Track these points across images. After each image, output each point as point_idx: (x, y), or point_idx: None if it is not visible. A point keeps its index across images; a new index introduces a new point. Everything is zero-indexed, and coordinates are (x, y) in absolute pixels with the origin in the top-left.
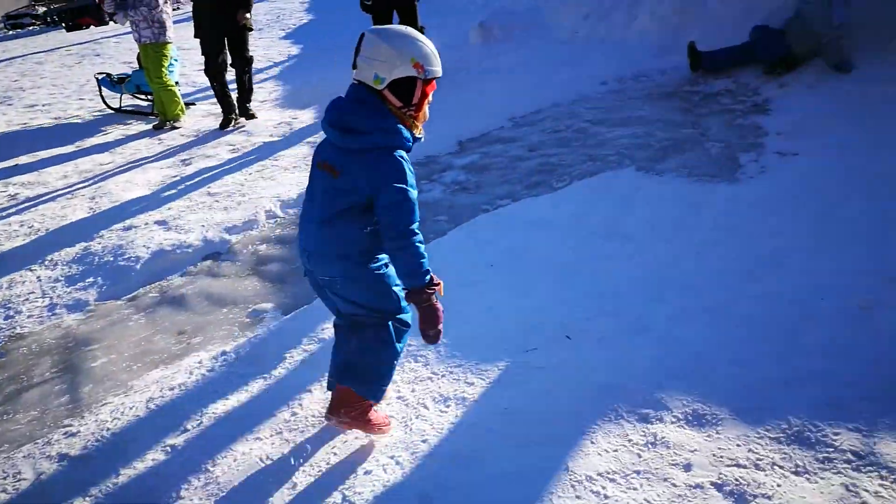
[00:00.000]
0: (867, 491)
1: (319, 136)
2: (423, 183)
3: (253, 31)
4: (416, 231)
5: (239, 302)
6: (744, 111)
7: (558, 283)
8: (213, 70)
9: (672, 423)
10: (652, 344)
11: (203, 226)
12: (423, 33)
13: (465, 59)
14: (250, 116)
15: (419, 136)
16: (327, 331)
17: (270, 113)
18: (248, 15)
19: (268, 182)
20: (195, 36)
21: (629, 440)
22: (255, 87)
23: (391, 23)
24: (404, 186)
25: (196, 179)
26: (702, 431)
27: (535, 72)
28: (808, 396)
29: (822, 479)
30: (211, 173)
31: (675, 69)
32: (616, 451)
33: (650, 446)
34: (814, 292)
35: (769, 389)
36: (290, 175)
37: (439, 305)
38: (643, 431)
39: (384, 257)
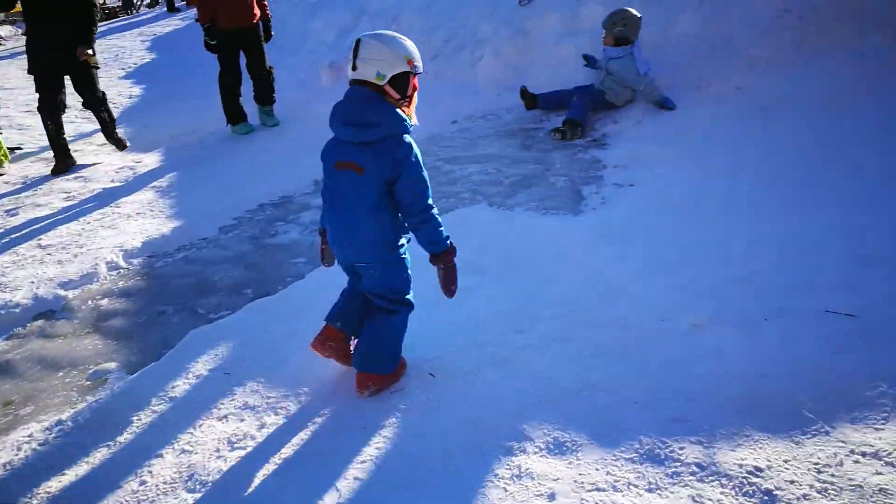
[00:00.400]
0: (710, 500)
1: (167, 180)
2: (279, 224)
3: (99, 69)
4: (433, 205)
5: (77, 363)
6: (584, 146)
7: (420, 320)
8: (48, 108)
9: (535, 453)
10: (513, 375)
11: (33, 282)
12: (271, 75)
13: (318, 98)
14: (122, 146)
15: (414, 122)
16: (178, 388)
17: (111, 157)
18: (89, 51)
19: (109, 231)
20: (29, 72)
21: (496, 475)
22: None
23: (238, 63)
24: (419, 167)
25: (24, 231)
26: (563, 459)
27: None
28: (656, 415)
29: (672, 493)
30: (42, 224)
31: (520, 107)
32: (483, 487)
33: (515, 479)
34: (654, 314)
35: (622, 411)
36: (135, 222)
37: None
38: (508, 464)
39: (404, 242)
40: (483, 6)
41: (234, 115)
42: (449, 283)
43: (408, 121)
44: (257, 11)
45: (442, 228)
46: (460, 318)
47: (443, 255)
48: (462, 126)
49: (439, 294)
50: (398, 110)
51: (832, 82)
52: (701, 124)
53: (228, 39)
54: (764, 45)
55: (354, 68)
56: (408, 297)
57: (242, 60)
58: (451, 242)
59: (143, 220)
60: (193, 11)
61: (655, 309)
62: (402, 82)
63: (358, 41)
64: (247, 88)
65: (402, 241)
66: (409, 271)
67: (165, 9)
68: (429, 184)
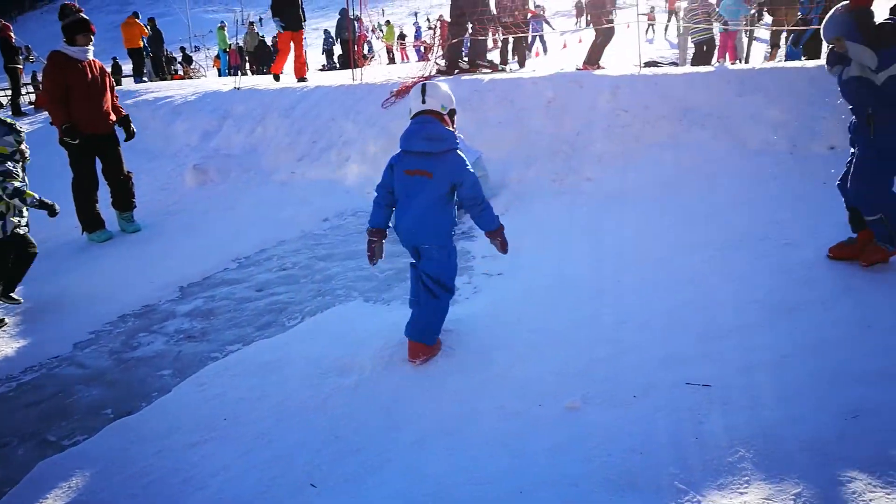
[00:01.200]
0: None
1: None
2: (142, 336)
3: None
4: (485, 196)
5: None
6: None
7: (298, 427)
8: None
9: None
10: (395, 477)
11: None
12: (130, 180)
13: (182, 202)
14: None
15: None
16: None
17: None
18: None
19: None
20: None
21: None
22: None
23: (94, 169)
24: (473, 172)
25: None
26: None
27: (256, 212)
28: (542, 501)
29: None
30: None
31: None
32: None
33: None
34: (532, 401)
35: (509, 502)
36: None
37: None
38: None
39: (454, 232)
40: (346, 109)
41: (91, 222)
42: (504, 248)
43: (459, 139)
44: (113, 116)
45: (494, 213)
46: (339, 422)
47: (497, 230)
48: (334, 224)
49: (317, 399)
50: (454, 131)
51: (668, 170)
52: (559, 213)
53: (84, 145)
54: (608, 139)
55: (424, 102)
56: (452, 284)
57: (98, 166)
58: (500, 222)
59: None
60: (42, 115)
61: (533, 394)
62: (452, 115)
63: (424, 85)
64: (104, 194)
65: (454, 231)
66: (457, 261)
67: (11, 112)
68: (479, 183)
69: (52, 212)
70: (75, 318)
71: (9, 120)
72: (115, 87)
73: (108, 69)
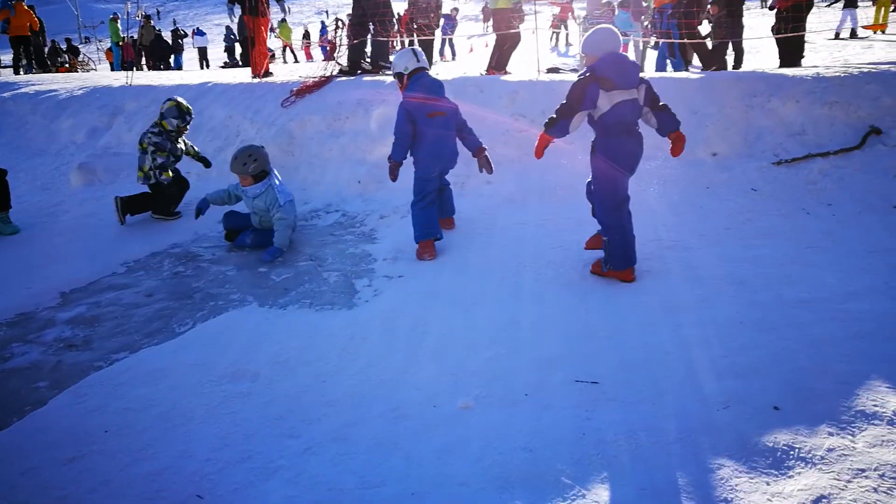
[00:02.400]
0: None
1: None
2: (16, 346)
3: None
4: None
5: None
6: (354, 241)
7: (186, 438)
8: None
9: None
10: (285, 484)
11: None
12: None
13: (66, 203)
14: None
15: None
16: None
17: None
18: None
19: None
20: None
21: None
22: None
23: None
24: None
25: None
26: None
27: (145, 212)
28: (433, 502)
29: None
30: None
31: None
32: None
33: None
34: (426, 401)
35: None
36: None
37: None
38: None
39: None
40: (245, 108)
41: None
42: (490, 167)
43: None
44: None
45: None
46: (229, 430)
47: (482, 148)
48: None
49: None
50: None
51: (562, 174)
52: (461, 216)
53: None
54: (505, 144)
55: (418, 60)
56: None
57: None
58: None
59: None
60: None
61: (427, 395)
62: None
63: (413, 49)
64: None
65: None
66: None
67: None
68: None
69: (206, 163)
70: None
71: (184, 105)
72: None
73: None
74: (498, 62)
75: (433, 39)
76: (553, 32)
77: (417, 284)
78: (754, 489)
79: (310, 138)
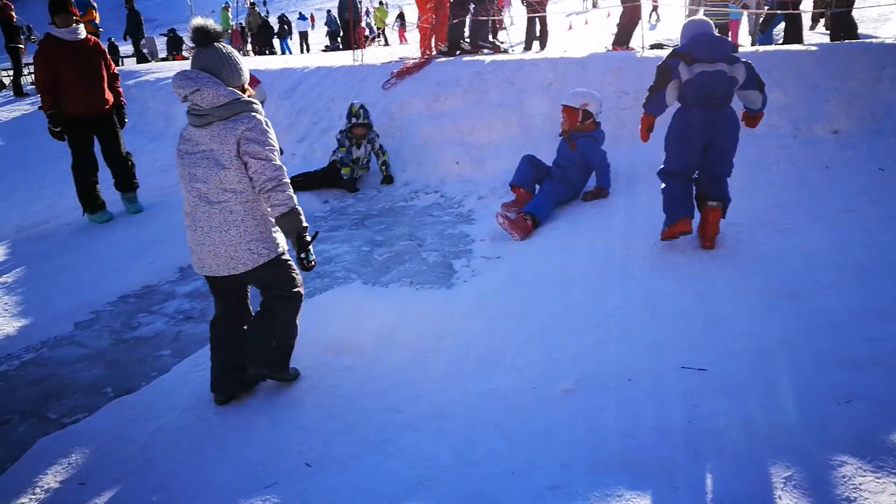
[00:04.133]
0: None
1: (13, 276)
2: (143, 316)
3: None
4: None
5: None
6: (452, 221)
7: (292, 409)
8: None
9: None
10: (391, 457)
11: None
12: (130, 160)
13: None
14: None
15: None
16: None
17: None
18: None
19: None
20: None
21: None
22: None
23: (90, 151)
24: None
25: None
26: None
27: None
28: (533, 484)
29: None
30: None
31: (391, 186)
32: None
33: None
34: (527, 383)
35: (500, 484)
36: None
37: None
38: None
39: None
40: (347, 89)
41: (90, 203)
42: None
43: None
44: (110, 97)
45: None
46: (333, 402)
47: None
48: (333, 206)
49: (313, 378)
50: None
51: None
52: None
53: (79, 127)
54: (610, 122)
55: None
56: None
57: (98, 146)
58: None
59: None
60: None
61: (528, 377)
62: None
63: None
64: (106, 175)
65: None
66: None
67: (12, 93)
68: None
69: (387, 179)
70: (76, 298)
71: (354, 107)
72: (115, 69)
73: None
74: (619, 37)
75: (545, 16)
76: (653, 7)
77: (516, 266)
78: (881, 489)
79: (410, 120)
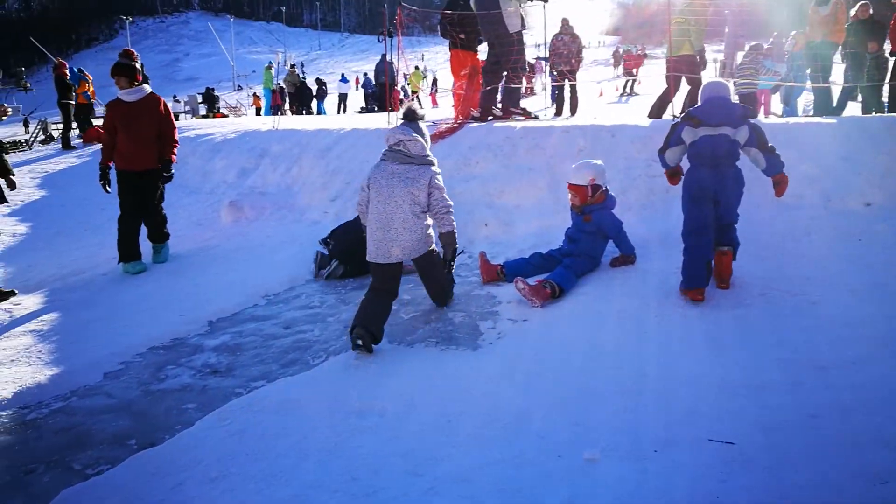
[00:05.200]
0: None
1: (48, 324)
2: (170, 368)
3: None
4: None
5: None
6: (479, 282)
7: (315, 469)
8: None
9: None
10: None
11: None
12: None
13: (216, 238)
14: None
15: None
16: None
17: None
18: None
19: None
20: None
21: None
22: None
23: (133, 200)
24: None
25: None
26: None
27: (288, 249)
28: None
29: None
30: None
31: None
32: None
33: None
34: (551, 450)
35: None
36: (6, 371)
37: None
38: None
39: None
40: (380, 151)
41: (128, 253)
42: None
43: None
44: (159, 155)
45: None
46: (356, 464)
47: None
48: None
49: (336, 440)
50: None
51: None
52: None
53: (126, 181)
54: (638, 189)
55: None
56: None
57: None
58: None
59: (17, 368)
60: (91, 149)
61: (552, 444)
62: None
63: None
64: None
65: None
66: None
67: (60, 146)
68: None
69: None
70: (106, 348)
71: None
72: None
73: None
74: (657, 109)
75: (575, 84)
76: (628, 80)
77: (542, 330)
78: None
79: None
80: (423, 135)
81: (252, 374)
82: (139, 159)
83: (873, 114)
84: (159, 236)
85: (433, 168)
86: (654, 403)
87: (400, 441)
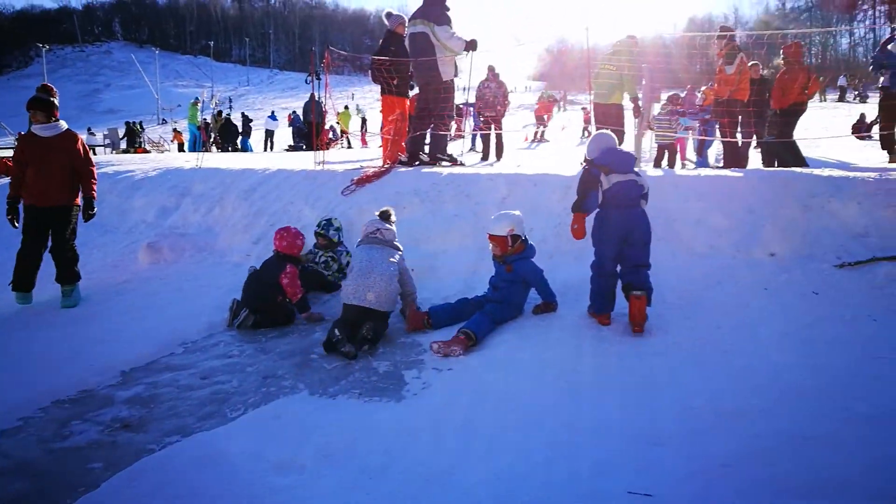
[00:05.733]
0: None
1: None
2: (76, 423)
3: None
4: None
5: None
6: (403, 330)
7: None
8: None
9: None
10: None
11: None
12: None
13: (133, 281)
14: None
15: None
16: None
17: None
18: None
19: None
20: None
21: None
22: None
23: (40, 242)
24: None
25: None
26: None
27: (207, 294)
28: None
29: None
30: None
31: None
32: None
33: None
34: None
35: None
36: None
37: None
38: None
39: None
40: (306, 193)
41: (20, 280)
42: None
43: None
44: (71, 192)
45: None
46: None
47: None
48: None
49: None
50: None
51: None
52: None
53: (34, 217)
54: (559, 238)
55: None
56: None
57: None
58: None
59: None
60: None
61: (476, 500)
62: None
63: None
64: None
65: None
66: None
67: None
68: None
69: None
70: (2, 403)
71: (322, 223)
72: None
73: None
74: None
75: (501, 133)
76: (539, 128)
77: (467, 379)
78: None
79: None
80: (392, 226)
81: (166, 429)
82: (48, 196)
83: (776, 167)
84: (69, 276)
85: (401, 252)
86: (574, 454)
87: (318, 500)
